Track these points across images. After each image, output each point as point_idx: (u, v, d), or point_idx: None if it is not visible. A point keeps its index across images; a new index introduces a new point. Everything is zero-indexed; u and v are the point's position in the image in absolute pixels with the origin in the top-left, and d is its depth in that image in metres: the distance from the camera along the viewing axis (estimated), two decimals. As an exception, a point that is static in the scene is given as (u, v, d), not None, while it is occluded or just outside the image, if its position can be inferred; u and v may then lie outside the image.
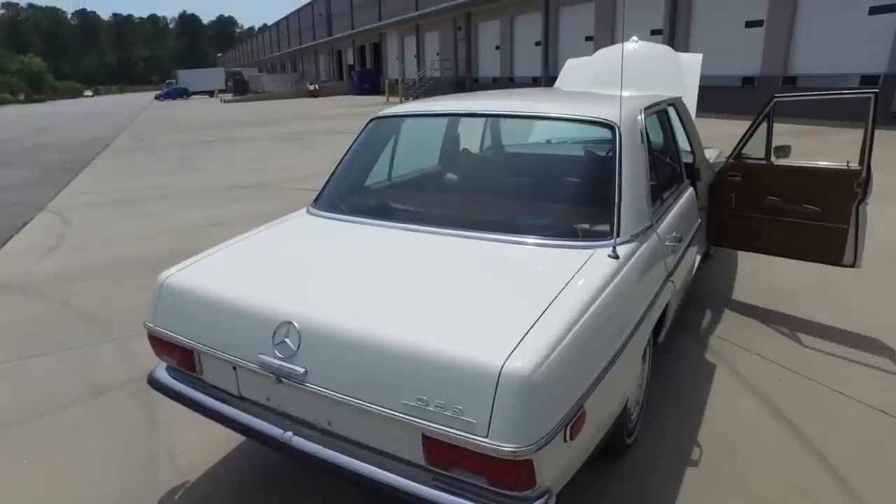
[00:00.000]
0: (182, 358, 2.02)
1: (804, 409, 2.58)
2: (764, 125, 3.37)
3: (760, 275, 4.18)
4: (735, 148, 3.52)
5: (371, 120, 2.82)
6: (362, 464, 1.61)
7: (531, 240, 2.06)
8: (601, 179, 2.20)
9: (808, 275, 4.09)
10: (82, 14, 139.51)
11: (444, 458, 1.49)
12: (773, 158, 3.40)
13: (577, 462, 1.64)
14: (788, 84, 14.46)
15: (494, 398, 1.37)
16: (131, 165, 11.39)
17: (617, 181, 2.12)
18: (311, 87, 40.25)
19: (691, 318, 3.53)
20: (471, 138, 3.35)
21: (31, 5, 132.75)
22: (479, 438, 1.38)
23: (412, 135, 2.82)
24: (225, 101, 39.79)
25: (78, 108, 43.96)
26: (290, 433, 1.73)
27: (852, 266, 3.23)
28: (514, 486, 1.42)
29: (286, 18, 68.43)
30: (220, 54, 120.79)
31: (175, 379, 2.09)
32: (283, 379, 1.68)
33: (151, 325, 2.06)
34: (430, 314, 1.65)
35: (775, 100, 3.27)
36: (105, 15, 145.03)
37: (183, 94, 57.85)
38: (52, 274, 4.87)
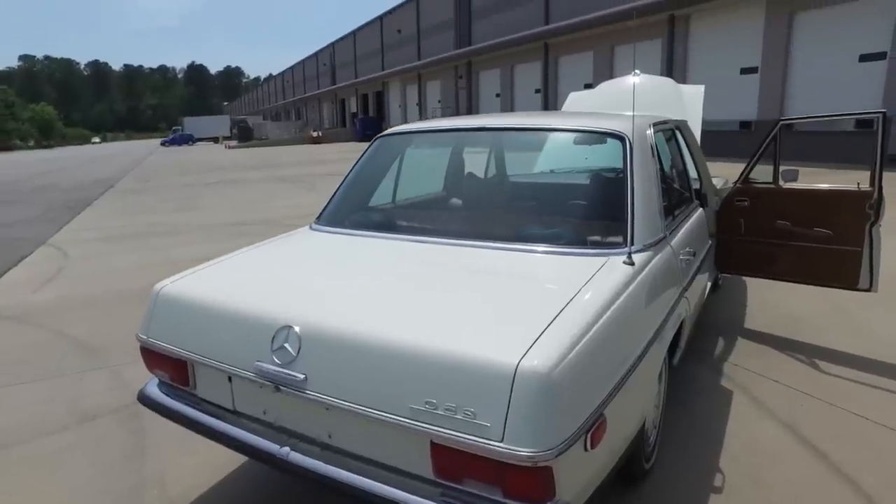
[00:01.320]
0: (175, 371, 1.92)
1: (830, 434, 2.44)
2: (770, 151, 3.36)
3: (771, 303, 4.09)
4: (742, 173, 3.50)
5: (377, 138, 2.81)
6: (365, 479, 1.49)
7: (543, 248, 1.99)
8: (613, 191, 2.15)
9: (818, 302, 4.01)
10: (95, 65, 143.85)
11: (454, 467, 1.37)
12: (781, 182, 3.37)
13: (597, 477, 1.52)
14: (785, 127, 14.67)
15: (510, 399, 1.27)
16: (135, 204, 11.44)
17: (629, 191, 2.06)
18: (315, 134, 40.99)
19: (704, 345, 3.42)
20: (475, 167, 3.32)
21: (47, 57, 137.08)
22: (493, 443, 1.27)
23: (418, 154, 2.79)
24: (229, 147, 40.49)
25: (85, 153, 44.67)
26: (286, 448, 1.62)
27: (868, 290, 3.14)
28: (531, 497, 1.30)
29: (291, 68, 70.45)
30: (226, 103, 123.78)
31: (167, 395, 1.99)
32: (281, 387, 1.58)
33: (144, 337, 1.97)
34: (440, 317, 1.57)
35: (781, 122, 3.27)
36: (116, 66, 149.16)
37: (188, 140, 58.95)
38: (48, 304, 4.77)
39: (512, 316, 1.54)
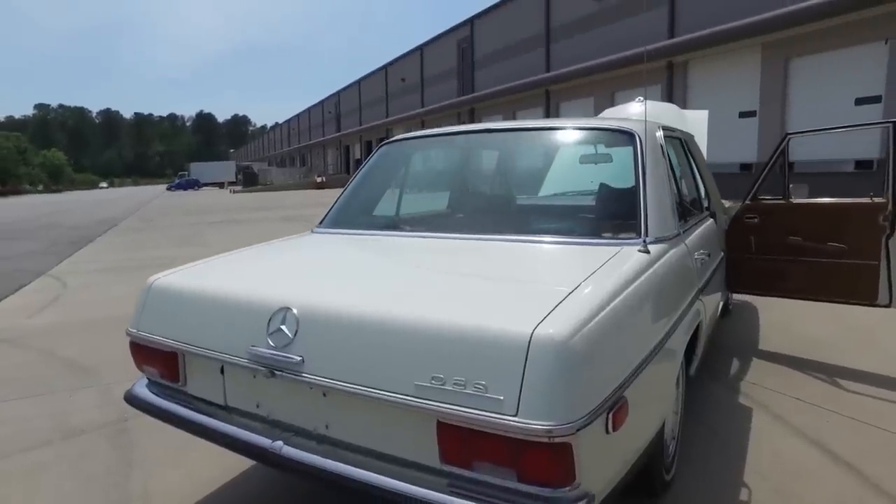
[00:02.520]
0: (165, 365, 1.81)
1: (862, 451, 2.29)
2: (773, 171, 3.33)
3: (783, 326, 3.96)
4: (751, 189, 3.45)
5: (381, 144, 2.77)
6: (364, 472, 1.36)
7: (553, 238, 1.91)
8: (625, 186, 2.09)
9: (832, 324, 3.89)
10: (106, 113, 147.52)
11: (463, 450, 1.25)
12: (791, 197, 3.31)
13: (619, 471, 1.39)
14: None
15: (525, 369, 1.17)
16: (137, 241, 11.42)
17: (641, 184, 2.00)
18: (319, 179, 41.44)
19: (718, 365, 3.28)
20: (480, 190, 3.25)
21: (61, 105, 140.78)
22: (506, 418, 1.16)
23: (422, 163, 2.74)
24: (234, 192, 40.97)
25: (92, 196, 45.26)
26: (279, 442, 1.50)
27: (888, 306, 3.03)
28: (549, 480, 1.18)
29: (297, 116, 72.02)
30: (232, 150, 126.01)
31: (155, 394, 1.87)
32: (276, 372, 1.48)
33: (135, 331, 1.87)
34: (448, 294, 1.48)
35: (789, 136, 3.24)
36: (127, 114, 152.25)
37: (194, 185, 59.74)
38: (43, 327, 4.66)
39: (524, 293, 1.45)
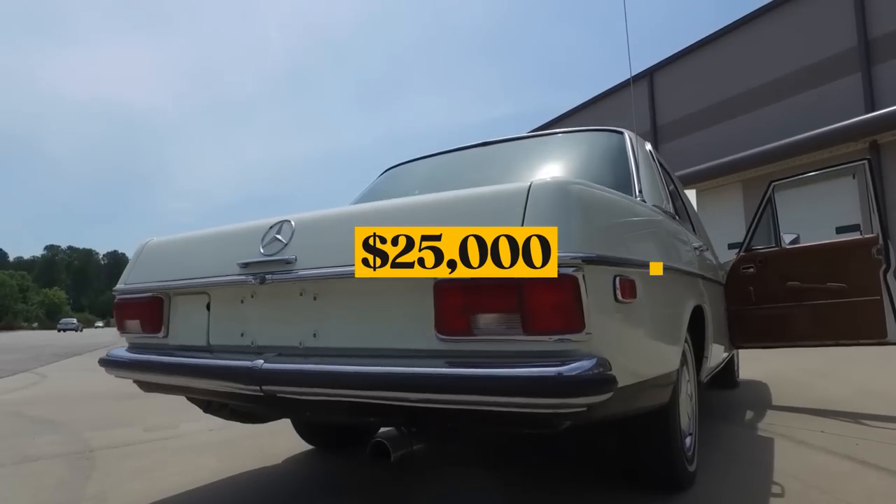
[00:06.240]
0: (149, 314, 1.73)
1: (898, 460, 2.08)
2: (766, 216, 3.42)
3: (797, 390, 3.76)
4: (744, 241, 3.51)
5: (387, 170, 2.87)
6: (351, 367, 1.24)
7: None
8: (618, 168, 2.13)
9: (844, 387, 3.71)
10: (113, 255, 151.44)
11: (462, 309, 1.15)
12: (783, 243, 3.36)
13: (632, 362, 1.27)
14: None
15: (525, 211, 1.14)
16: (126, 353, 11.15)
17: (633, 164, 2.04)
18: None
19: (732, 414, 3.07)
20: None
21: (70, 247, 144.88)
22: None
23: (425, 175, 2.80)
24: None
25: (87, 333, 44.96)
26: (260, 361, 1.37)
27: (900, 343, 2.93)
28: (555, 324, 1.08)
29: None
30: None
31: (133, 353, 1.76)
32: (267, 276, 1.41)
33: (122, 286, 1.81)
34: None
35: (773, 183, 3.38)
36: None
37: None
38: (16, 399, 4.43)
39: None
